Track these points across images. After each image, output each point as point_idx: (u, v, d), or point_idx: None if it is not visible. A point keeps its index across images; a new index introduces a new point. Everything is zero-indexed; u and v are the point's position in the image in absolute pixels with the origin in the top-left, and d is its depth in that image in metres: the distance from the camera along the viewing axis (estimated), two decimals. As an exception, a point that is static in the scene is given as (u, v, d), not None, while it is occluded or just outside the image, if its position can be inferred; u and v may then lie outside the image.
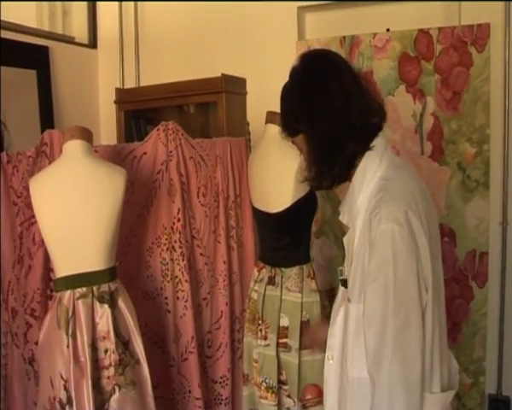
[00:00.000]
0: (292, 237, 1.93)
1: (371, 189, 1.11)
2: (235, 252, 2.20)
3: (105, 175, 1.65)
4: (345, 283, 1.18)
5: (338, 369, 1.17)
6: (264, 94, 2.56)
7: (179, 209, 1.98)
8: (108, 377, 1.61)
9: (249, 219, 2.21)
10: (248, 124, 2.32)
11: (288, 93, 1.23)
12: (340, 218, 1.20)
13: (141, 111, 2.87)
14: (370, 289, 1.05)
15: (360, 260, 1.08)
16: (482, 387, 2.51)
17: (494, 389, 2.57)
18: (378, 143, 1.16)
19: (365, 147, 1.15)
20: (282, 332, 1.90)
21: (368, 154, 1.15)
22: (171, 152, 1.99)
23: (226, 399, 2.14)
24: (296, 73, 1.19)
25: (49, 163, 1.72)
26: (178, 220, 1.99)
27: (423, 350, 1.04)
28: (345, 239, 1.17)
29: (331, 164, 1.15)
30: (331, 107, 1.12)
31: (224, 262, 2.15)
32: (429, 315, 1.05)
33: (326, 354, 1.21)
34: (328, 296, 1.94)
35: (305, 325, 1.87)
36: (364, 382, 1.07)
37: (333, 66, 1.17)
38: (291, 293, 1.92)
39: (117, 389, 1.63)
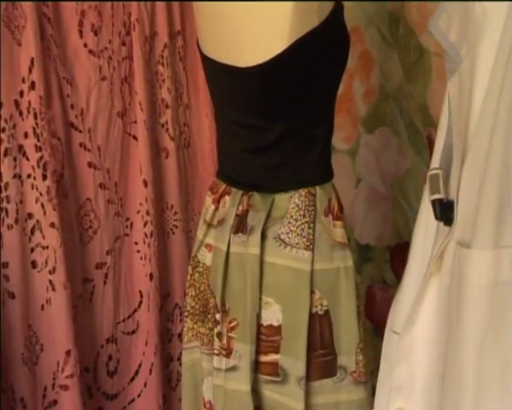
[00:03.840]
0: (290, 125, 1.59)
1: None
2: (171, 160, 2.00)
3: None
4: (446, 210, 1.04)
5: None
6: None
7: (33, 61, 1.70)
8: None
9: (205, 88, 1.93)
10: None
11: None
12: (439, 31, 1.13)
13: None
14: None
15: (499, 147, 0.95)
16: None
17: None
18: None
19: None
20: (268, 340, 1.58)
21: None
22: None
23: None
24: None
25: None
26: (32, 87, 1.70)
27: None
28: (452, 94, 1.07)
29: None
30: None
31: (146, 184, 1.90)
32: None
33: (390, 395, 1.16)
34: (395, 264, 1.95)
35: (320, 324, 1.57)
36: None
37: None
38: (287, 250, 1.57)
39: None
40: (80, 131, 1.85)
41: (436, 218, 1.08)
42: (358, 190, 2.13)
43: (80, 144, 1.84)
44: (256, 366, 1.58)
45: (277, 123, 1.58)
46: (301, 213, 1.58)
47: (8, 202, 1.72)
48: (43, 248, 1.74)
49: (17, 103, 1.71)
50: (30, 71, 1.70)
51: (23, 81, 1.70)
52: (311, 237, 1.56)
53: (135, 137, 1.93)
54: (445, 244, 1.05)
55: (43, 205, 1.73)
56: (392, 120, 2.30)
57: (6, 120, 1.70)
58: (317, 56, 1.54)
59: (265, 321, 1.57)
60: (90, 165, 1.87)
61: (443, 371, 1.04)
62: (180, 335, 1.98)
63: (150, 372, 1.94)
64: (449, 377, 1.02)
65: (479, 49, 1.03)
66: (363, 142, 2.33)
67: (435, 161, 1.16)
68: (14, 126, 1.71)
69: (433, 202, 1.07)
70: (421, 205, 1.22)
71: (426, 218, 1.18)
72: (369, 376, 1.62)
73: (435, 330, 1.08)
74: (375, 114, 2.34)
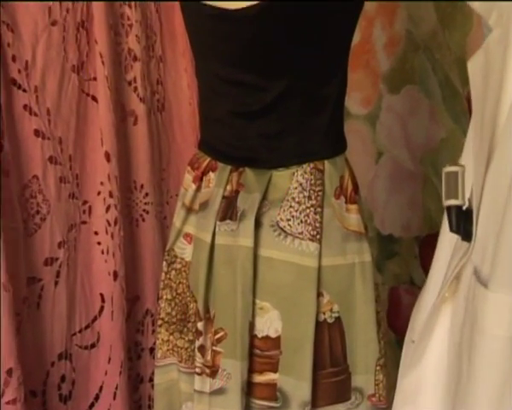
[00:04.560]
0: (292, 83, 1.50)
1: None
2: (140, 127, 1.94)
3: None
4: (465, 221, 0.96)
5: None
6: None
7: None
8: None
9: (183, 36, 1.96)
10: None
11: None
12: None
13: None
14: None
15: None
16: None
17: None
18: None
19: None
20: (264, 356, 1.51)
21: None
22: None
23: None
24: None
25: None
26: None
27: None
28: (473, 75, 0.95)
29: None
30: None
31: (109, 157, 1.82)
32: None
33: None
34: (425, 260, 2.08)
35: (329, 334, 1.51)
36: None
37: None
38: (288, 241, 1.49)
39: None
40: (24, 91, 1.74)
41: (451, 229, 0.99)
42: (379, 166, 2.13)
43: (24, 107, 1.73)
44: (249, 389, 1.51)
45: (275, 80, 1.48)
46: (306, 194, 1.48)
47: None
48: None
49: None
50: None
51: None
52: (317, 224, 1.47)
53: (94, 98, 1.85)
54: (461, 265, 0.96)
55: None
56: (422, 77, 2.20)
57: None
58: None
59: (260, 332, 1.49)
60: (37, 133, 1.76)
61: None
62: (152, 349, 1.97)
63: (114, 397, 1.89)
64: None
65: None
66: (385, 105, 2.26)
67: (466, 156, 1.05)
68: None
69: (449, 209, 0.99)
70: None
71: None
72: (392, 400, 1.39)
73: (444, 376, 1.01)
74: (401, 69, 2.26)
